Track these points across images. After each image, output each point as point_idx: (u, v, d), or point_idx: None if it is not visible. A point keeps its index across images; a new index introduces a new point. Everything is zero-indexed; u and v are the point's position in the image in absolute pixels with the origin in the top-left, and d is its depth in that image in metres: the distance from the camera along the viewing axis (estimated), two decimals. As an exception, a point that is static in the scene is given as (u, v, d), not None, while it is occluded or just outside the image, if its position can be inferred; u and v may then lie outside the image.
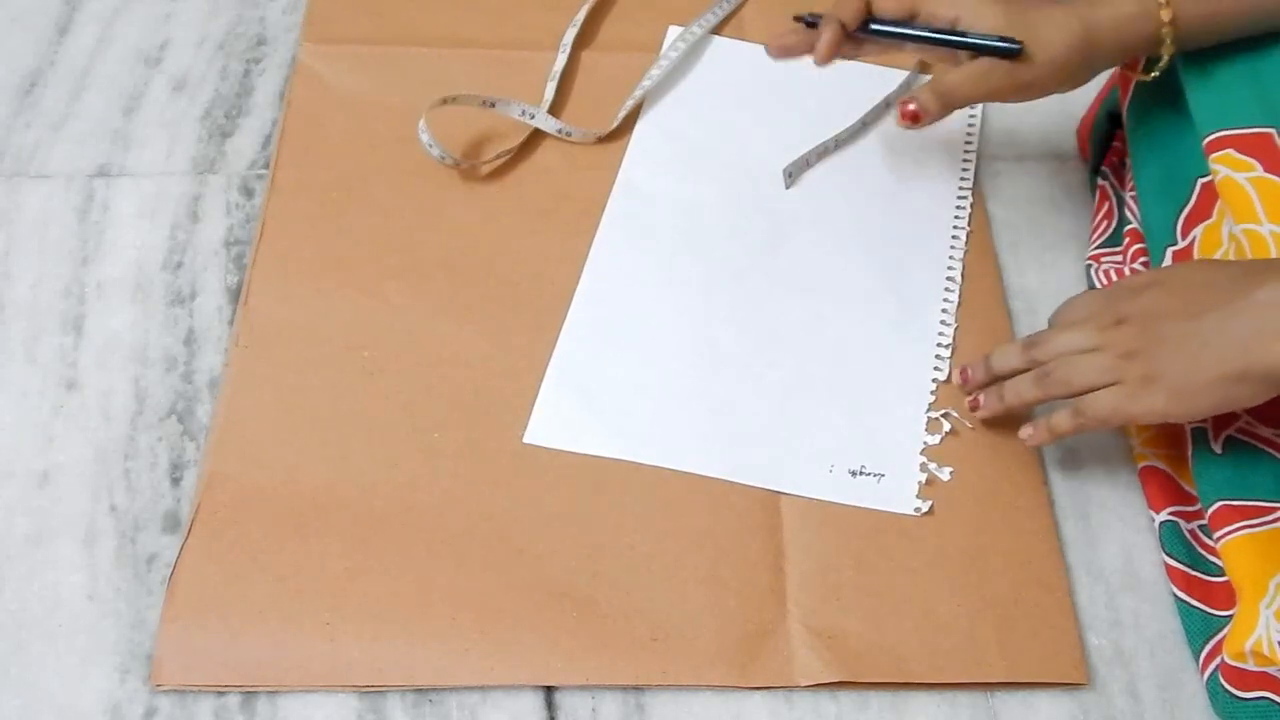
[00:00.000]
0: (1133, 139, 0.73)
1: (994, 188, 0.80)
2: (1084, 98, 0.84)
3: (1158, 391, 0.58)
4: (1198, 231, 0.67)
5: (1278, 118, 0.64)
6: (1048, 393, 0.62)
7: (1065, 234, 0.78)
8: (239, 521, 0.63)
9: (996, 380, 0.66)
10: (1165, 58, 0.66)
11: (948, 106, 0.68)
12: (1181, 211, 0.68)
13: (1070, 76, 0.67)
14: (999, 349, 0.66)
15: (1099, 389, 0.60)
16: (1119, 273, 0.73)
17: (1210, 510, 0.60)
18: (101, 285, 0.73)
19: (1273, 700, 0.57)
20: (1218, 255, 0.64)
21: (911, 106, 0.68)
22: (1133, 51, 0.67)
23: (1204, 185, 0.67)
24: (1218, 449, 0.61)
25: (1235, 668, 0.57)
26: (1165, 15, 0.65)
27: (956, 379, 0.69)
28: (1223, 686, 0.58)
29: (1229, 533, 0.59)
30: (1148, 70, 0.69)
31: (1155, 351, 0.58)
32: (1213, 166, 0.63)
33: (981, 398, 0.67)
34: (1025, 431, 0.65)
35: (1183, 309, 0.58)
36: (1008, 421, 0.68)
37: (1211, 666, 0.60)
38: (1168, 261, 0.67)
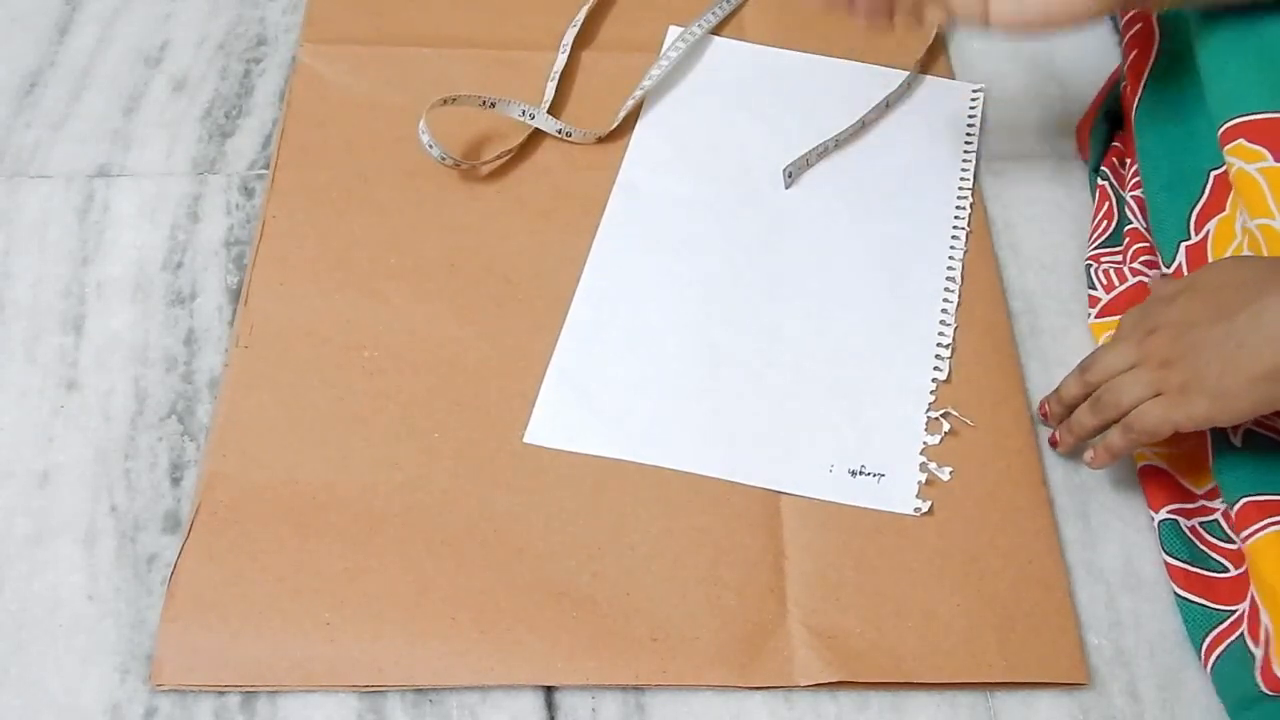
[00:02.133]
0: (1141, 133, 0.72)
1: (994, 188, 0.80)
2: (1084, 98, 0.84)
3: (1198, 397, 0.57)
4: (1211, 225, 0.66)
5: None
6: (1103, 418, 0.62)
7: (1065, 234, 0.78)
8: (239, 521, 0.63)
9: (1069, 409, 0.66)
10: None
11: None
12: (1195, 205, 0.67)
13: None
14: (1065, 379, 0.66)
15: (1145, 403, 0.60)
16: (1119, 273, 0.73)
17: (1236, 507, 0.59)
18: (101, 285, 0.73)
19: None
20: (1231, 249, 0.64)
21: None
22: None
23: (1217, 177, 0.66)
24: (1237, 443, 0.61)
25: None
26: None
27: (1038, 414, 0.69)
28: (1252, 678, 0.57)
29: (1256, 531, 0.58)
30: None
31: (1191, 357, 0.58)
32: (1228, 159, 0.63)
33: (1057, 434, 0.68)
34: (1087, 456, 0.65)
35: (1215, 311, 0.57)
36: (1007, 421, 0.68)
37: (1216, 653, 0.59)
38: (1180, 256, 0.67)
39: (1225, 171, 0.64)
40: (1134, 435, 0.61)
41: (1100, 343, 0.72)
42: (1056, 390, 0.67)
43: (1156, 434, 0.60)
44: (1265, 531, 0.58)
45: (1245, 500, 0.59)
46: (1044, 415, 0.69)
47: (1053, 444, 0.68)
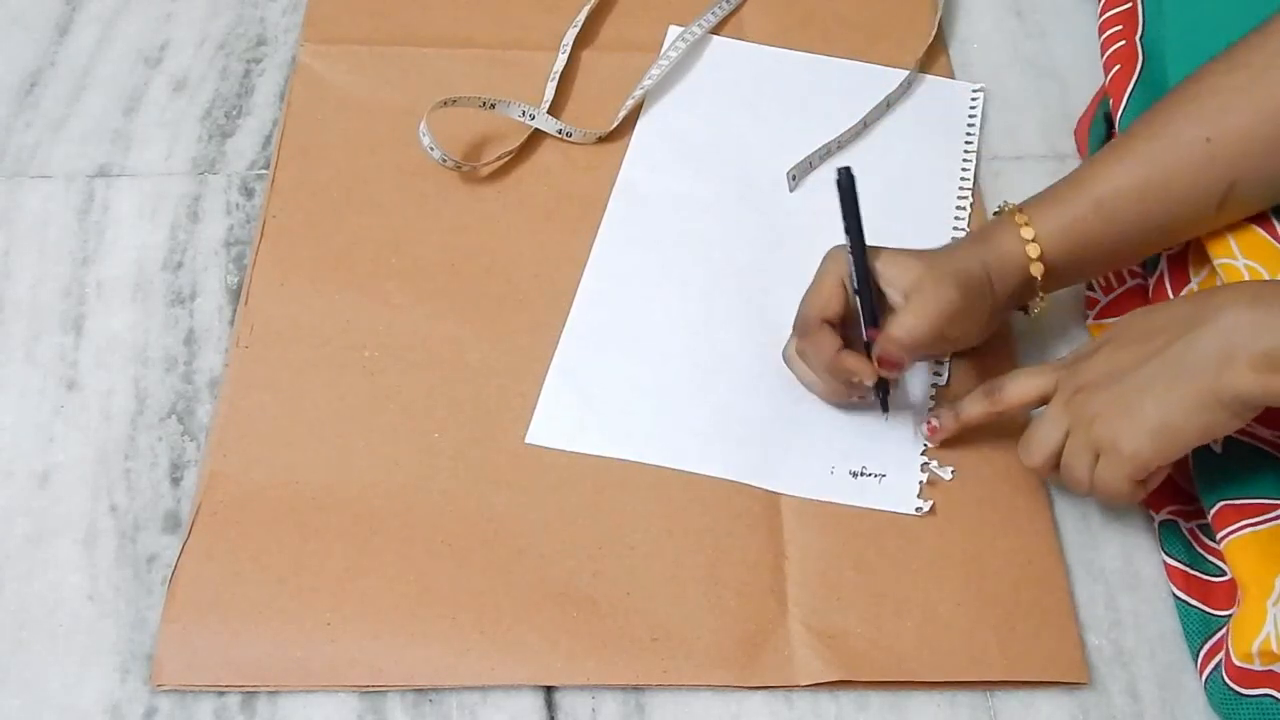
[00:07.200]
0: None
1: (994, 188, 0.80)
2: (1084, 98, 0.84)
3: (1139, 441, 0.56)
4: None
5: None
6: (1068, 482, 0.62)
7: (1065, 234, 0.78)
8: (239, 521, 0.63)
9: (964, 430, 0.65)
10: (1039, 303, 0.66)
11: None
12: None
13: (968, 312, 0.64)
14: (969, 399, 0.65)
15: (1097, 469, 0.59)
16: (1117, 275, 0.73)
17: (1213, 511, 0.60)
18: (101, 285, 0.73)
19: (1275, 697, 0.57)
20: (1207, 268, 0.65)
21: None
22: (1016, 290, 0.65)
23: None
24: (1218, 448, 0.61)
25: (1240, 666, 0.57)
26: (1033, 251, 0.63)
27: (923, 430, 0.67)
28: (1225, 684, 0.58)
29: (1232, 532, 0.59)
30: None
31: (1118, 406, 0.57)
32: None
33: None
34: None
35: (1140, 356, 0.57)
36: (1007, 421, 0.68)
37: (1210, 666, 0.60)
38: (1162, 265, 0.68)
39: None
40: (1110, 499, 0.61)
41: None
42: (955, 409, 0.65)
43: (1123, 495, 0.59)
44: (1241, 532, 0.59)
45: (1222, 504, 0.60)
46: (931, 431, 0.66)
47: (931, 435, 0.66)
